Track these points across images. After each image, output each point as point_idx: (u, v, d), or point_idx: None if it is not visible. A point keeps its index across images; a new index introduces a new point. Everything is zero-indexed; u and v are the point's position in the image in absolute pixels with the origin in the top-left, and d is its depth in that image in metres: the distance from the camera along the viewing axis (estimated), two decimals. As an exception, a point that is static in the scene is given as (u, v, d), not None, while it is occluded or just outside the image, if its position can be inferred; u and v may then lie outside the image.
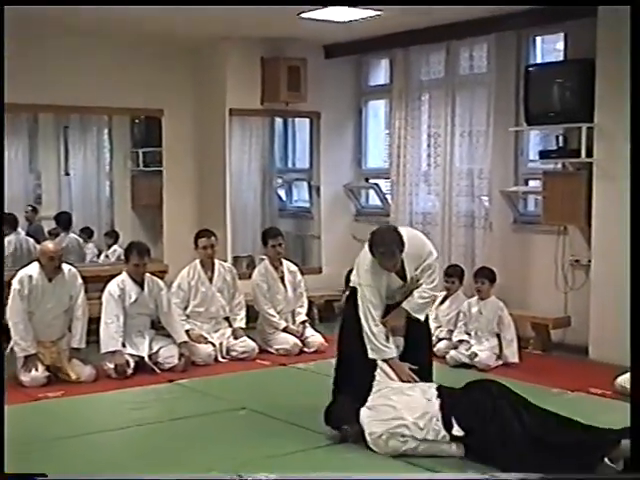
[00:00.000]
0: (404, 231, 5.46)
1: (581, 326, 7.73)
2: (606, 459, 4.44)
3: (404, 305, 5.48)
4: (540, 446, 4.55)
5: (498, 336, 7.45)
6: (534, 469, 4.44)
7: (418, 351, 5.59)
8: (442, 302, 7.89)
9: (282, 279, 8.16)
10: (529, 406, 4.87)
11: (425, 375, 5.46)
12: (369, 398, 5.15)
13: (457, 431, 4.79)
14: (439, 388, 5.09)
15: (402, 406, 4.98)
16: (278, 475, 3.65)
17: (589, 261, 7.66)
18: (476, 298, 7.55)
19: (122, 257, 7.66)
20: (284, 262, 8.23)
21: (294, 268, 8.31)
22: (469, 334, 7.50)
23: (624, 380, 6.44)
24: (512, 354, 7.39)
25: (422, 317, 5.57)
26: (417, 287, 5.52)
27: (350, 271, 5.73)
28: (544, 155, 8.00)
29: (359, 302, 5.42)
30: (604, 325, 7.42)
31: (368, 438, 4.98)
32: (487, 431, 4.70)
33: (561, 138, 7.76)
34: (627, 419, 5.57)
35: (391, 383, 5.26)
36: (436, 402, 4.94)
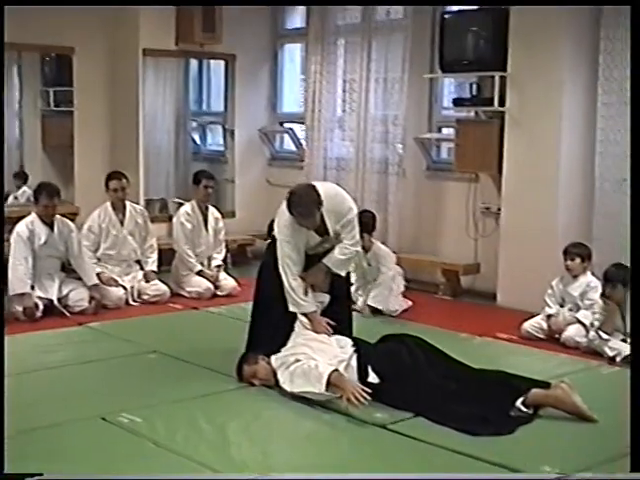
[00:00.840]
0: (323, 187, 5.40)
1: (490, 273, 7.87)
2: (519, 403, 4.55)
3: (325, 261, 5.44)
4: (454, 395, 4.64)
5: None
6: (448, 417, 4.52)
7: (338, 307, 5.59)
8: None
9: (206, 223, 8.13)
10: (444, 357, 4.95)
11: (344, 331, 5.42)
12: (283, 349, 5.17)
13: (373, 378, 4.83)
14: (355, 339, 5.14)
15: (315, 349, 5.01)
16: (278, 475, 3.69)
17: (499, 209, 7.78)
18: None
19: (31, 198, 7.49)
20: (210, 207, 8.21)
21: (218, 215, 8.30)
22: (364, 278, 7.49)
23: (530, 325, 6.60)
24: (396, 302, 7.35)
25: (343, 273, 5.55)
26: (339, 242, 5.48)
27: (273, 220, 5.68)
28: (458, 103, 8.06)
29: (278, 256, 5.39)
30: (512, 272, 7.57)
31: (278, 373, 5.00)
32: (402, 379, 4.76)
33: (475, 86, 7.81)
34: (532, 362, 5.75)
35: (308, 334, 5.27)
36: (351, 350, 4.98)
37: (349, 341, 5.12)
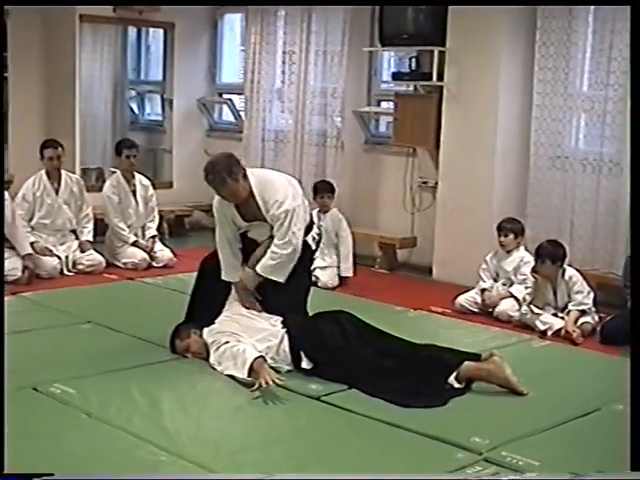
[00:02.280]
0: (258, 172, 5.28)
1: (426, 247, 7.94)
2: (452, 378, 4.60)
3: (257, 267, 5.14)
4: (388, 371, 4.67)
5: (336, 250, 7.52)
6: (380, 390, 4.56)
7: (294, 281, 5.23)
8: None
9: (134, 193, 8.04)
10: (378, 334, 4.98)
11: (296, 307, 5.26)
12: (216, 321, 5.16)
13: (306, 364, 4.85)
14: (284, 318, 5.09)
15: (243, 326, 5.01)
16: (280, 475, 3.69)
17: (436, 183, 7.84)
18: (316, 211, 7.61)
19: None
20: (137, 175, 8.10)
21: (146, 182, 8.19)
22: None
23: (464, 299, 6.68)
24: (347, 269, 7.47)
25: (279, 279, 5.12)
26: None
27: None
28: (397, 77, 8.09)
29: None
30: (448, 246, 7.65)
31: (210, 351, 5.00)
32: (336, 362, 4.78)
33: (414, 60, 7.84)
34: (465, 336, 5.82)
35: (237, 308, 5.25)
36: (282, 331, 4.97)
37: (278, 318, 5.08)
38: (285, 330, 4.97)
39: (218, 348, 4.94)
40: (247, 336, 4.92)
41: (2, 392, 3.66)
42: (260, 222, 5.16)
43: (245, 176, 5.04)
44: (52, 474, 3.31)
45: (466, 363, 4.66)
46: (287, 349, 4.90)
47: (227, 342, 4.90)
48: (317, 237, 5.54)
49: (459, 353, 4.80)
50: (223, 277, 5.29)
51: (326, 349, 4.84)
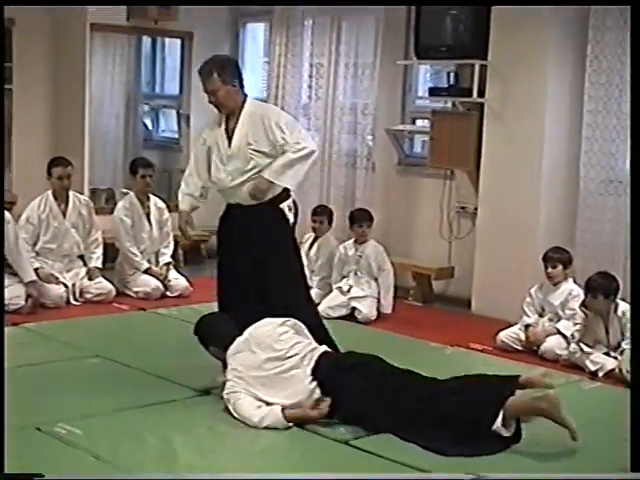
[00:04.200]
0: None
1: (465, 277, 7.91)
2: (498, 424, 4.49)
3: (265, 173, 5.29)
4: (426, 419, 4.61)
5: (376, 282, 7.53)
6: (421, 439, 4.51)
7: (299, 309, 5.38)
8: (310, 246, 7.91)
9: (148, 216, 8.07)
10: (410, 376, 4.87)
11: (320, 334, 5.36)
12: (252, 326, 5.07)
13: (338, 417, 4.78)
14: (316, 368, 4.89)
15: (270, 382, 4.85)
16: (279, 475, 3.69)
17: (476, 209, 7.81)
18: (352, 242, 7.61)
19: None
20: (151, 197, 8.14)
21: (162, 205, 8.22)
22: (345, 277, 7.55)
23: (506, 335, 6.63)
24: (388, 305, 7.49)
25: (288, 184, 5.34)
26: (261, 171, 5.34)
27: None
28: (434, 93, 8.09)
29: None
30: (488, 277, 7.60)
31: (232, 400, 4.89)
32: (372, 414, 4.70)
33: (452, 75, 7.85)
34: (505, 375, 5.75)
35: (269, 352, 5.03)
36: (311, 387, 4.83)
37: (310, 364, 4.91)
38: (315, 384, 4.89)
39: (238, 399, 4.88)
40: (274, 391, 4.85)
41: (2, 394, 3.79)
42: (244, 151, 5.32)
43: (237, 87, 5.33)
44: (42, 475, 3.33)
45: (511, 400, 4.57)
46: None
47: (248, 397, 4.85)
48: (293, 208, 5.60)
49: (498, 381, 4.73)
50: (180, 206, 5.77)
51: (360, 404, 4.78)
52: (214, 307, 7.50)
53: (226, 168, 5.40)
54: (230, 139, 5.37)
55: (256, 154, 5.30)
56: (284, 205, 5.49)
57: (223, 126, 5.41)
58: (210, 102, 5.33)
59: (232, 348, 4.98)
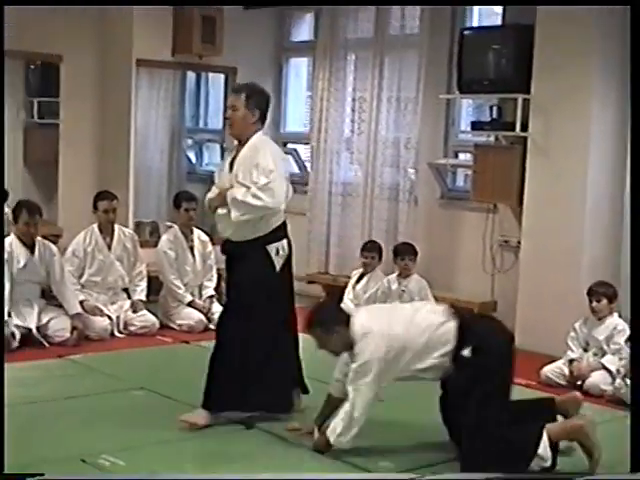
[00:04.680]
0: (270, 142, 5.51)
1: (508, 312, 7.84)
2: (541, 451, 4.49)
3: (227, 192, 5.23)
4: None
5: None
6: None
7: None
8: (359, 280, 7.96)
9: (192, 249, 8.14)
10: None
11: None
12: None
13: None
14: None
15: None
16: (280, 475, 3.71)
17: (519, 242, 7.79)
18: (395, 275, 7.62)
19: (10, 218, 7.51)
20: (195, 230, 8.20)
21: (205, 238, 8.28)
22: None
23: (550, 370, 6.59)
24: None
25: (232, 215, 5.18)
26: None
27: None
28: (476, 126, 8.09)
29: None
30: (532, 311, 7.56)
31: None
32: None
33: (495, 109, 7.85)
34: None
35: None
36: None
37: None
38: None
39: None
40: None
41: (2, 395, 3.85)
42: (232, 181, 5.28)
43: (256, 117, 5.33)
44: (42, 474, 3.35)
45: (548, 428, 4.58)
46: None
47: None
48: (282, 252, 5.48)
49: (532, 407, 4.73)
50: None
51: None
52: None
53: None
54: (231, 168, 5.35)
55: (237, 185, 5.23)
56: (272, 247, 5.36)
57: (233, 154, 5.42)
58: (225, 118, 5.40)
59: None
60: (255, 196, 5.13)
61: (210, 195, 5.43)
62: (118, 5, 8.92)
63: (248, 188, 5.14)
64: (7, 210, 8.83)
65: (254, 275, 5.30)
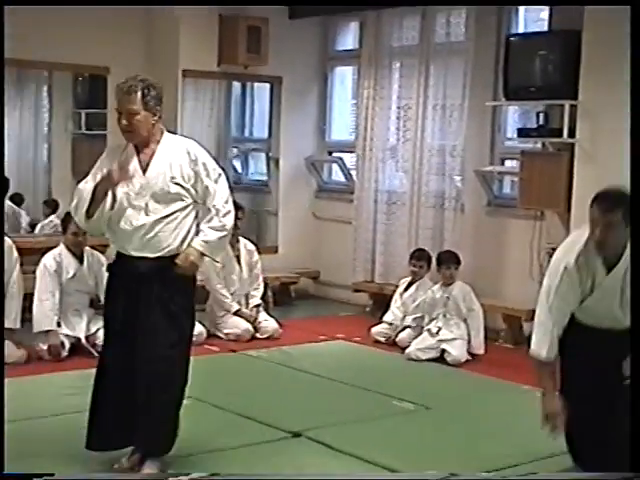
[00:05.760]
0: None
1: (556, 319, 7.79)
2: None
3: (197, 244, 4.48)
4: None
5: (465, 323, 7.49)
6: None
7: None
8: (407, 288, 7.95)
9: (238, 258, 8.17)
10: None
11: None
12: None
13: None
14: None
15: None
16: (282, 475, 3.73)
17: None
18: (439, 284, 7.60)
19: (59, 229, 7.58)
20: (241, 240, 8.23)
21: (251, 247, 8.31)
22: (433, 319, 7.51)
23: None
24: (479, 346, 7.44)
25: (218, 257, 4.85)
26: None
27: None
28: (523, 133, 8.04)
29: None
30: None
31: None
32: None
33: (542, 115, 7.80)
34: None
35: None
36: None
37: None
38: None
39: None
40: None
41: (2, 394, 3.89)
42: (157, 185, 4.51)
43: (157, 117, 4.57)
44: (53, 474, 3.34)
45: None
46: None
47: None
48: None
49: None
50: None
51: None
52: (304, 349, 7.59)
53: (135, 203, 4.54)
54: (144, 168, 4.55)
55: (176, 188, 4.52)
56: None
57: (135, 158, 4.59)
58: (122, 125, 4.54)
59: None
60: (229, 214, 4.61)
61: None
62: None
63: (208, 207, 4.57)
64: (56, 220, 8.96)
65: None
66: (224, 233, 4.56)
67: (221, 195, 4.54)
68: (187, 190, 4.52)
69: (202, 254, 4.54)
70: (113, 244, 4.70)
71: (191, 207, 4.57)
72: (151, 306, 4.50)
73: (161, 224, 4.49)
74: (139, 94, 4.50)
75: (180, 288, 4.57)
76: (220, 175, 4.58)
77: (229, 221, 4.56)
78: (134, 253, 4.53)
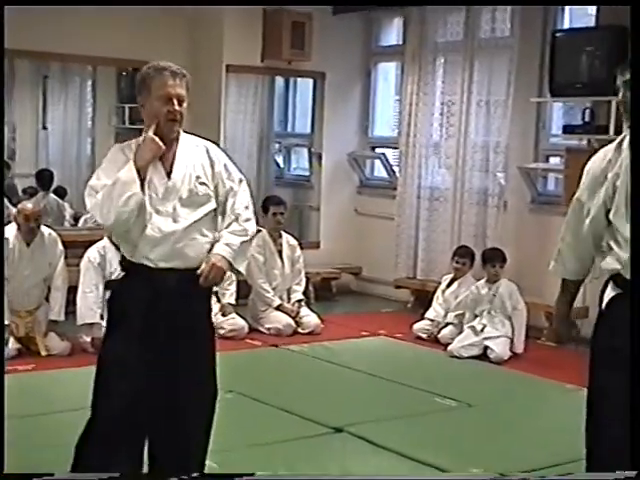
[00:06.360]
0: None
1: (599, 318, 7.74)
2: None
3: (219, 250, 3.98)
4: None
5: (509, 320, 7.46)
6: None
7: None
8: (449, 285, 7.94)
9: (280, 253, 8.19)
10: None
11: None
12: None
13: None
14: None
15: None
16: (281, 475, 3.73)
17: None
18: (484, 281, 7.56)
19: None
20: (283, 235, 8.25)
21: (294, 242, 8.34)
22: (477, 316, 7.49)
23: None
24: (520, 344, 7.42)
25: (242, 268, 4.14)
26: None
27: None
28: (568, 130, 7.98)
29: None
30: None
31: None
32: None
33: (588, 112, 7.73)
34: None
35: None
36: None
37: None
38: None
39: None
40: None
41: (2, 394, 3.82)
42: (184, 187, 4.02)
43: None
44: (52, 474, 3.34)
45: None
46: None
47: None
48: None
49: None
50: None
51: None
52: (346, 345, 7.60)
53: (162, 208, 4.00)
54: (168, 171, 4.04)
55: (203, 188, 4.07)
56: None
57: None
58: (169, 111, 4.03)
59: None
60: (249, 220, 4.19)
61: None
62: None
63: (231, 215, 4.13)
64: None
65: None
66: (246, 238, 4.08)
67: (242, 200, 4.11)
68: (212, 191, 4.07)
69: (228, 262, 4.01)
70: (129, 254, 3.98)
71: (214, 212, 4.10)
72: (184, 326, 4.00)
73: (192, 230, 3.98)
74: (185, 80, 4.11)
75: (207, 302, 4.22)
76: (241, 180, 4.19)
77: (251, 227, 4.11)
78: (161, 264, 3.93)
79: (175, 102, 4.03)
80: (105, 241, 7.23)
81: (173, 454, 4.06)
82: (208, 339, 4.17)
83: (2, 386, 3.95)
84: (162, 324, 3.94)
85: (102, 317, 7.08)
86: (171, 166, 4.03)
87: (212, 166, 4.11)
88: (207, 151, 4.15)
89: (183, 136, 4.15)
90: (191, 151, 4.11)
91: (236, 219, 4.09)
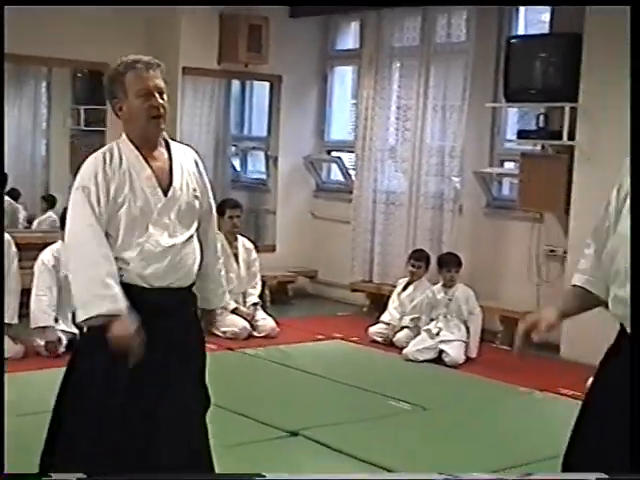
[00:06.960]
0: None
1: (553, 322, 7.80)
2: None
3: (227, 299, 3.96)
4: None
5: (465, 325, 7.51)
6: None
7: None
8: (404, 288, 7.97)
9: (236, 256, 8.18)
10: None
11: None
12: None
13: None
14: None
15: None
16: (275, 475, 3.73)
17: (565, 252, 7.75)
18: (440, 285, 7.61)
19: (57, 224, 7.58)
20: (239, 238, 8.25)
21: (249, 245, 8.33)
22: (433, 319, 7.53)
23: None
24: (474, 349, 7.47)
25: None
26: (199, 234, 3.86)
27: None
28: (523, 135, 8.07)
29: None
30: (578, 322, 7.40)
31: None
32: None
33: (542, 118, 7.82)
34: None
35: None
36: None
37: None
38: None
39: None
40: None
41: (2, 394, 3.82)
42: (183, 199, 3.74)
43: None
44: (50, 476, 3.33)
45: None
46: None
47: None
48: None
49: None
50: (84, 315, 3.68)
51: None
52: (301, 348, 7.60)
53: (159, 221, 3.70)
54: (160, 181, 3.72)
55: (197, 202, 3.82)
56: None
57: (143, 163, 3.72)
58: (152, 107, 3.69)
59: None
60: None
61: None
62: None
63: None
64: (54, 216, 8.96)
65: None
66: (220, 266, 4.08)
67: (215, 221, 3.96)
68: (200, 206, 3.81)
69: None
70: (120, 271, 3.62)
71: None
72: (181, 351, 3.81)
73: (187, 245, 3.73)
74: (160, 69, 3.76)
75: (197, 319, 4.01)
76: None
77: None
78: (155, 283, 3.65)
79: (157, 95, 3.68)
80: (59, 243, 7.18)
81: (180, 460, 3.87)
82: (200, 354, 4.03)
83: (2, 386, 3.93)
84: (155, 344, 3.59)
85: (56, 320, 7.05)
86: (170, 176, 3.72)
87: (202, 180, 3.87)
88: (195, 160, 3.87)
89: (171, 142, 3.86)
90: (183, 160, 3.81)
91: (215, 250, 3.99)
